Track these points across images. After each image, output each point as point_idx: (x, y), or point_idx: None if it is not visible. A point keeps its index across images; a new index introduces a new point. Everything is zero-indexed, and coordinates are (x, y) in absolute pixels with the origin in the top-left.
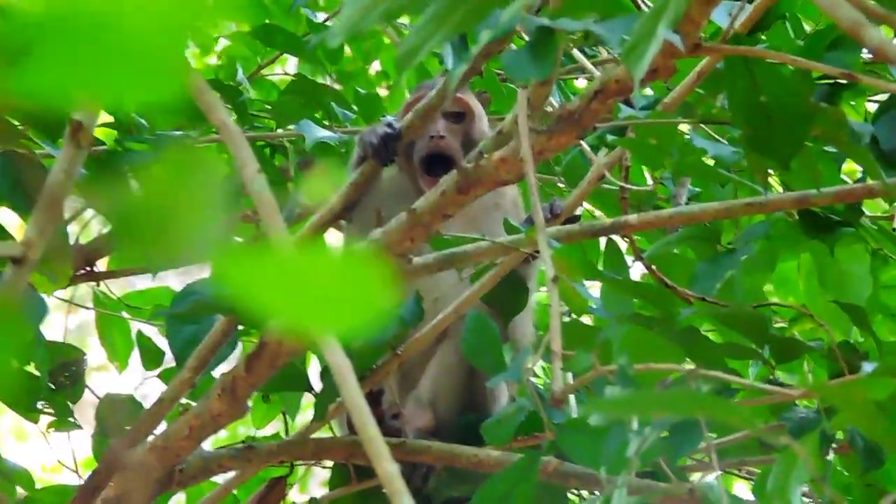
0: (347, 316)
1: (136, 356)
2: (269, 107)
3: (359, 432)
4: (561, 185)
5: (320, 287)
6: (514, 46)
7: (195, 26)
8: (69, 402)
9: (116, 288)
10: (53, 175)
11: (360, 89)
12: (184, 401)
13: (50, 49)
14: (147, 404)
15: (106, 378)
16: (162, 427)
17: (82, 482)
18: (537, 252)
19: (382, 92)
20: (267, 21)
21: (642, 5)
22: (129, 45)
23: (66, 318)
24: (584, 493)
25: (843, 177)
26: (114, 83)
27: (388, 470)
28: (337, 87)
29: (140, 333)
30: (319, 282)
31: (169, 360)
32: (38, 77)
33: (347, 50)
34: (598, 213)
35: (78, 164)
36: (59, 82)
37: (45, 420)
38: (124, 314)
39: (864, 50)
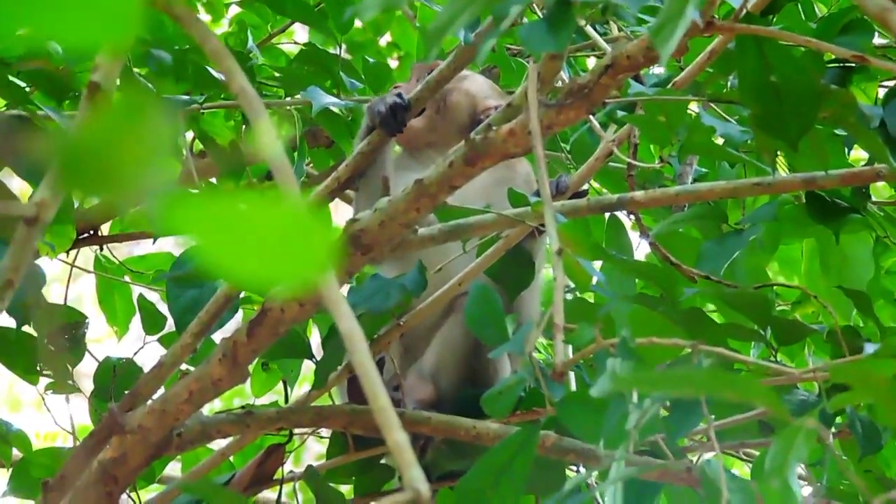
0: (287, 262)
1: (134, 324)
2: (278, 74)
3: (369, 401)
4: (568, 163)
5: (261, 233)
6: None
7: None
8: (69, 365)
9: (118, 253)
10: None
11: (369, 59)
12: (183, 367)
13: None
14: (146, 370)
15: (101, 349)
16: (161, 391)
17: (79, 443)
18: (543, 226)
19: (392, 63)
20: None
21: None
22: None
23: (67, 282)
24: (581, 468)
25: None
26: (64, 21)
27: (398, 440)
28: (347, 57)
29: (142, 297)
30: (260, 228)
31: (170, 326)
32: None
33: (357, 21)
34: (604, 191)
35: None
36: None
37: (42, 384)
38: (126, 279)
39: (875, 36)
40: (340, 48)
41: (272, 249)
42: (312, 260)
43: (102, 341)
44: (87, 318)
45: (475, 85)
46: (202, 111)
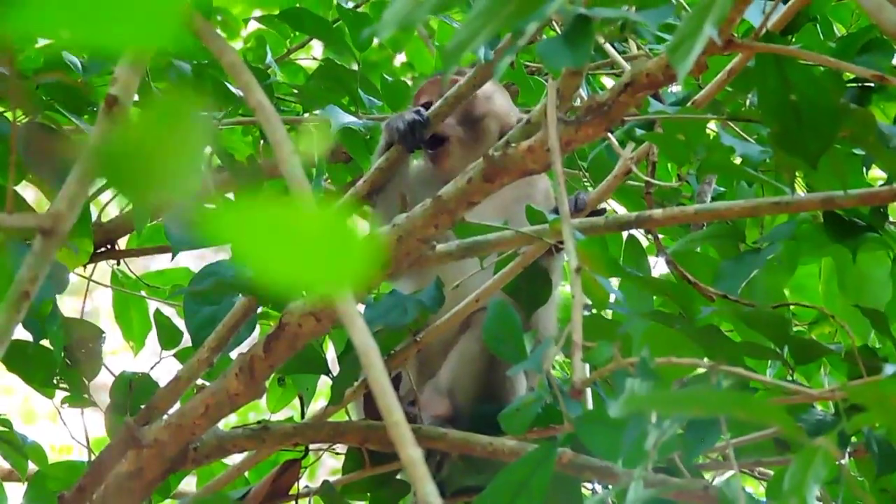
0: (322, 267)
1: (150, 339)
2: (296, 91)
3: (383, 416)
4: (586, 180)
5: (296, 237)
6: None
7: None
8: (85, 379)
9: (135, 268)
10: (89, 148)
11: (387, 76)
12: (199, 381)
13: None
14: (162, 385)
15: (117, 361)
16: (178, 406)
17: (96, 457)
18: (561, 243)
19: (408, 83)
20: (297, 5)
21: None
22: None
23: (84, 296)
24: (598, 486)
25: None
26: (109, 26)
27: (412, 455)
28: (365, 75)
29: (158, 312)
30: (296, 232)
31: (186, 341)
32: (33, 18)
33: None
34: (621, 210)
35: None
36: (53, 23)
37: (59, 397)
38: (142, 293)
39: (895, 56)
40: (359, 65)
41: (308, 252)
42: (348, 262)
43: (118, 353)
44: (103, 332)
45: (500, 104)
46: (220, 127)
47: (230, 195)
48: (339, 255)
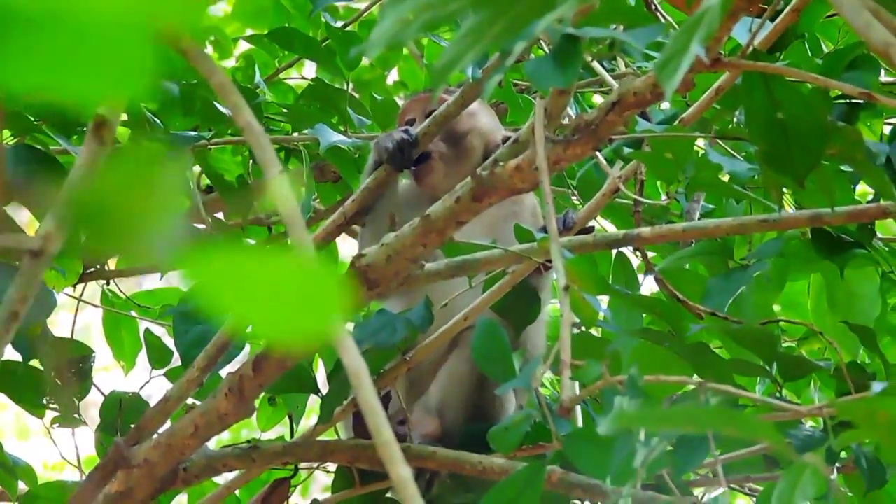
0: (299, 318)
1: (140, 357)
2: (285, 110)
3: (373, 435)
4: (574, 199)
5: (273, 288)
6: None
7: (160, 19)
8: (75, 399)
9: (125, 287)
10: (76, 170)
11: (376, 95)
12: (189, 401)
13: (8, 38)
14: (152, 404)
15: (108, 378)
16: (167, 425)
17: (85, 477)
18: (550, 262)
19: (400, 101)
20: (286, 24)
21: (661, 17)
22: (91, 36)
23: (74, 316)
24: None
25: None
26: (76, 75)
27: (402, 474)
28: (354, 94)
29: (148, 332)
30: (273, 283)
31: (177, 360)
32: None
33: (364, 59)
34: (610, 227)
35: (100, 160)
36: (20, 73)
37: (49, 416)
38: (132, 313)
39: (882, 73)
40: (348, 84)
41: (282, 302)
42: (322, 313)
43: (110, 370)
44: (93, 351)
45: (484, 121)
46: (210, 147)
47: (220, 215)
48: (310, 301)
